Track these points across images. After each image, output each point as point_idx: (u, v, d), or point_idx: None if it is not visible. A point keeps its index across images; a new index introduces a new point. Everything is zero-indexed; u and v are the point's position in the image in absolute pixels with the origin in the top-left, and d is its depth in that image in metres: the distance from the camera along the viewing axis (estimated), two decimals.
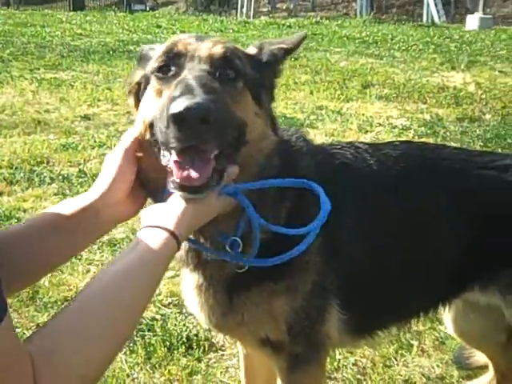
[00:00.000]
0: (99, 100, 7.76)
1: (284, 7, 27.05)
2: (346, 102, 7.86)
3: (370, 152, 2.09)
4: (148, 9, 26.99)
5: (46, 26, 15.99)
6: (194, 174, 1.49)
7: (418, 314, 2.29)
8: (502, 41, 14.13)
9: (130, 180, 1.69)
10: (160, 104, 1.58)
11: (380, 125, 6.86)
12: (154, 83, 1.68)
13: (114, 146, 1.82)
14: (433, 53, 11.98)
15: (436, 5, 20.59)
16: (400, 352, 3.04)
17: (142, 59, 1.81)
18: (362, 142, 2.19)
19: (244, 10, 22.96)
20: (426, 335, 3.16)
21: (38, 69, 9.74)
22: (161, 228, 1.48)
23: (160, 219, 1.51)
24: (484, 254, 2.11)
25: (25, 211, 4.48)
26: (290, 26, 17.71)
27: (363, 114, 7.29)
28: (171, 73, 1.65)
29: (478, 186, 2.12)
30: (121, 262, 1.43)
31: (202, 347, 3.02)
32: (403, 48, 12.69)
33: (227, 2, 27.78)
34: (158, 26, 16.88)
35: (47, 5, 26.43)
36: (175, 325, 3.16)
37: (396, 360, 2.99)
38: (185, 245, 1.83)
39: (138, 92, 1.78)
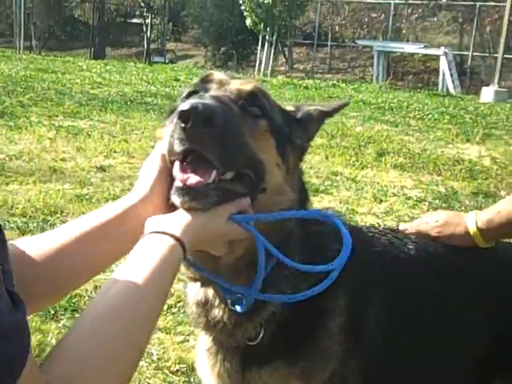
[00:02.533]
0: (115, 151, 7.77)
1: (301, 68, 27.50)
2: (361, 170, 7.86)
3: (411, 237, 2.06)
4: (167, 61, 27.50)
5: (66, 72, 16.24)
6: (193, 177, 1.47)
7: None
8: None
9: (169, 183, 1.59)
10: None
11: (394, 195, 6.82)
12: None
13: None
14: (448, 123, 12.04)
15: (452, 75, 20.86)
16: None
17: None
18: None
19: (262, 67, 23.32)
20: None
21: (57, 116, 9.81)
22: (167, 234, 1.40)
23: (166, 225, 1.43)
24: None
25: None
26: (306, 87, 17.84)
27: (378, 183, 7.26)
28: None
29: None
30: (126, 273, 1.32)
31: None
32: (418, 116, 12.77)
33: (245, 59, 28.26)
34: (176, 80, 17.05)
35: (69, 51, 26.98)
36: None
37: None
38: (194, 298, 1.76)
39: None
